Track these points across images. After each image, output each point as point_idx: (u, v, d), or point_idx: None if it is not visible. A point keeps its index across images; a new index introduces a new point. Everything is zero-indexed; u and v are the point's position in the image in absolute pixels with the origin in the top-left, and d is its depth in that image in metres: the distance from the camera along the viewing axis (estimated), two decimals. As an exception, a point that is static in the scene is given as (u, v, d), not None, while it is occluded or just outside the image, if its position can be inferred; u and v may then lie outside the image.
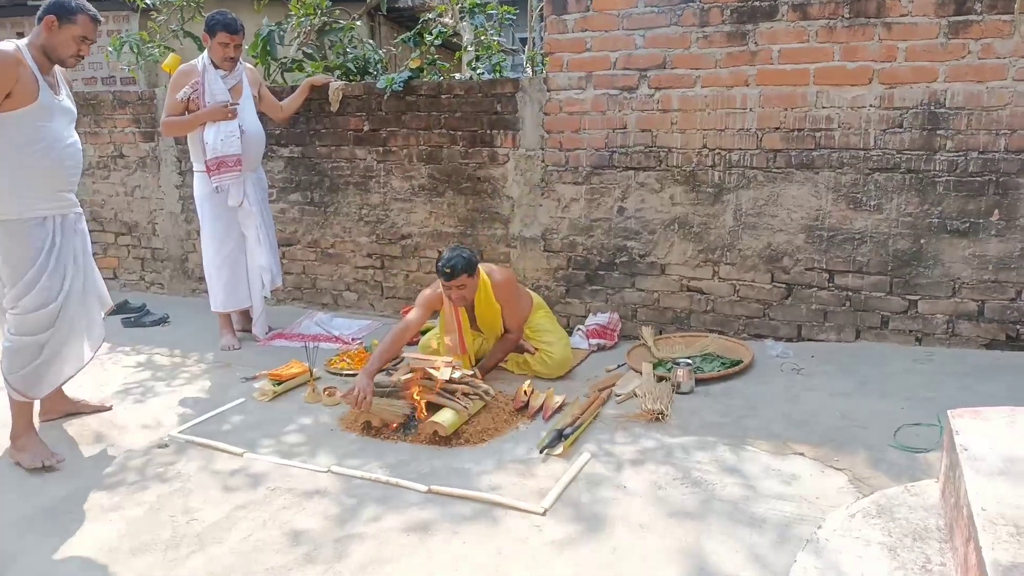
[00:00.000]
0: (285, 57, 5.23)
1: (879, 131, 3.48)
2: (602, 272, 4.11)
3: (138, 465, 2.84)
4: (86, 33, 2.56)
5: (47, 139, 2.68)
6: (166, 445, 2.99)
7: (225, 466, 2.81)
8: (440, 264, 3.28)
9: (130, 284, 5.57)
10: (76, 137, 2.84)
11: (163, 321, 4.72)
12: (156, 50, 5.31)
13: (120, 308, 4.79)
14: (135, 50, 5.25)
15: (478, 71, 4.58)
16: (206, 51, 3.96)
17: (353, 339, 4.28)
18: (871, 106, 3.47)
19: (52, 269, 2.77)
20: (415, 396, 3.07)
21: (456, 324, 3.46)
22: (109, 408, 3.32)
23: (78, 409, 3.26)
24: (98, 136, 5.38)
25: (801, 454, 2.70)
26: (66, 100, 2.81)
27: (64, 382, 3.03)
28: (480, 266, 3.43)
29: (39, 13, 2.58)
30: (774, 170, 3.68)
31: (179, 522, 2.44)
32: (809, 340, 3.78)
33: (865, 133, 3.50)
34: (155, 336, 4.49)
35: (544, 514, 2.40)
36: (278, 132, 4.73)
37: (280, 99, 4.43)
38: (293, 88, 4.58)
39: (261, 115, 4.22)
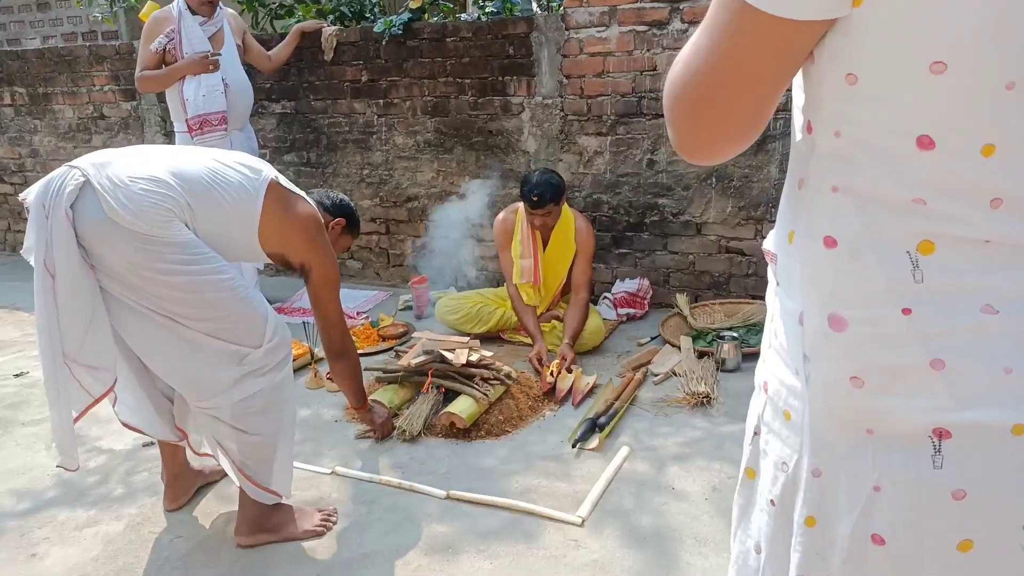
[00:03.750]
0: (273, 2, 4.77)
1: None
2: (630, 233, 3.72)
3: (121, 471, 2.52)
4: (349, 247, 2.52)
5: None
6: (152, 443, 2.67)
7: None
8: (526, 189, 3.11)
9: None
10: None
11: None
12: (132, -3, 4.85)
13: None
14: (108, -4, 4.79)
15: (486, 10, 4.11)
16: (181, -5, 3.53)
17: (359, 312, 3.93)
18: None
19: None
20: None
21: (532, 248, 3.24)
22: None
23: (208, 479, 2.40)
24: (76, 96, 4.95)
25: (874, 444, 2.35)
26: None
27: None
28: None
29: (325, 201, 2.35)
30: (827, 114, 3.24)
31: (163, 541, 2.12)
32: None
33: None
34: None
35: (582, 524, 2.07)
36: (268, 86, 4.31)
37: (268, 48, 4.00)
38: (282, 36, 4.13)
39: (247, 67, 3.79)
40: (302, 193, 2.11)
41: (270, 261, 2.11)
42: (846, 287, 0.67)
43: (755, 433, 0.81)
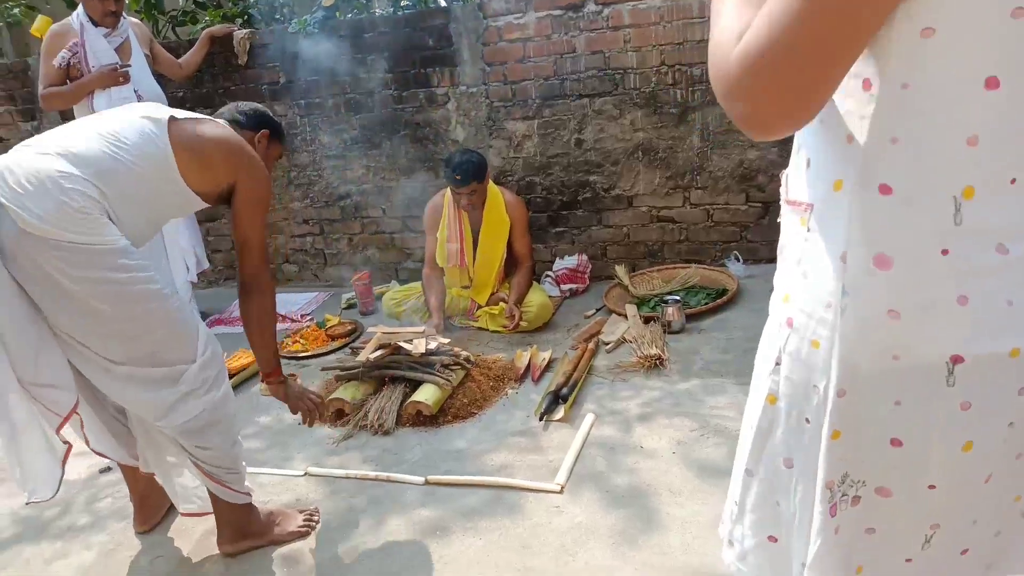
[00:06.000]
0: (175, 9, 4.62)
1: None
2: (565, 212, 3.82)
3: (82, 501, 2.44)
4: (280, 156, 2.33)
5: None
6: (109, 468, 2.59)
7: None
8: (449, 170, 3.21)
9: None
10: None
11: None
12: (16, 10, 4.59)
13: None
14: (-7, 14, 4.53)
15: (402, 3, 4.11)
16: (80, 7, 3.38)
17: (303, 315, 3.89)
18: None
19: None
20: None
21: (459, 232, 3.33)
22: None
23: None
24: (-34, 120, 4.66)
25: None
26: None
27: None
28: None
29: (240, 117, 2.10)
30: (740, 82, 3.41)
31: (141, 564, 2.08)
32: (788, 259, 3.61)
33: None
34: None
35: (561, 491, 2.16)
36: (181, 94, 4.18)
37: (177, 56, 3.88)
38: (191, 44, 4.02)
39: (159, 76, 3.67)
40: (204, 117, 1.98)
41: (208, 204, 1.98)
42: (897, 230, 0.74)
43: (776, 363, 0.90)
